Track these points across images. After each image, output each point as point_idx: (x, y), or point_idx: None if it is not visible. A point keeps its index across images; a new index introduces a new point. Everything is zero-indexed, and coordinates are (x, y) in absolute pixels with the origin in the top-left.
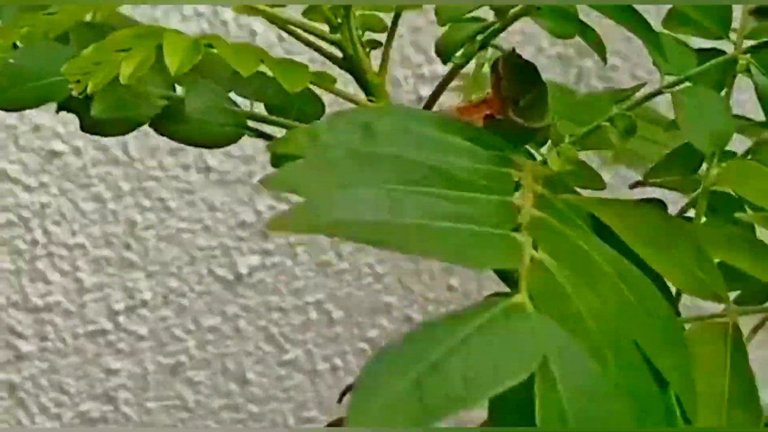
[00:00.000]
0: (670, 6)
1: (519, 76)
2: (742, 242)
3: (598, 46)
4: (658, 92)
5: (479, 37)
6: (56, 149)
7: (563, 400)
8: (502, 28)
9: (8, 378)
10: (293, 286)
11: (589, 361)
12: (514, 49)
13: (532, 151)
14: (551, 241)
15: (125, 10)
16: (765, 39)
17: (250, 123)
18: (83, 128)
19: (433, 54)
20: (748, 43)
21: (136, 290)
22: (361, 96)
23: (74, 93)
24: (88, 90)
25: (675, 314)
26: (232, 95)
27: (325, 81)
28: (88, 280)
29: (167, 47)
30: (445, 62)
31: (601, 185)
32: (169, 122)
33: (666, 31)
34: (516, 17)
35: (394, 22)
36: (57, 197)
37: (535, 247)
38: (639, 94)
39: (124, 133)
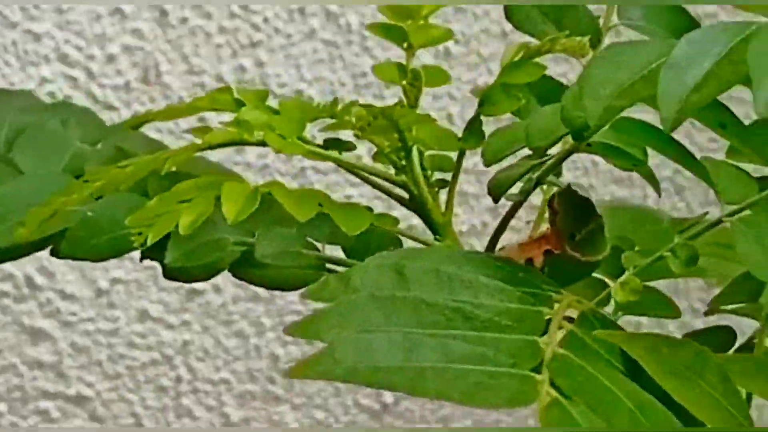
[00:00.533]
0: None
1: (575, 211)
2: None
3: (651, 180)
4: (719, 221)
5: (533, 175)
6: (197, 288)
7: None
8: (558, 164)
9: None
10: (440, 413)
11: None
12: (569, 185)
13: (608, 281)
14: (570, 377)
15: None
16: None
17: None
18: (165, 275)
19: None
20: None
21: (282, 423)
22: (429, 236)
23: (135, 244)
24: (148, 241)
25: None
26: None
27: (387, 222)
28: (235, 414)
29: (225, 197)
30: (495, 201)
31: (674, 313)
32: (245, 268)
33: (729, 161)
34: (569, 153)
35: (459, 161)
36: (200, 334)
37: (555, 385)
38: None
39: (204, 279)
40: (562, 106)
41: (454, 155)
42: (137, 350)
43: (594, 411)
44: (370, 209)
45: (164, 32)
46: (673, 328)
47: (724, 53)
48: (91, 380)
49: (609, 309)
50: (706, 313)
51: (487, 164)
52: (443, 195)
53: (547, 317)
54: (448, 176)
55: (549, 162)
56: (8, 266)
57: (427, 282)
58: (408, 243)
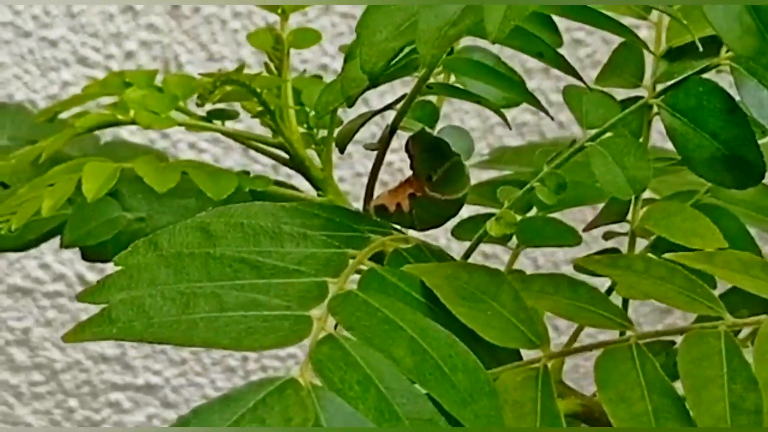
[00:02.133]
0: None
1: (429, 153)
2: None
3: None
4: (581, 147)
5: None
6: None
7: None
8: (405, 109)
9: None
10: None
11: (368, 423)
12: (423, 128)
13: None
14: (349, 313)
15: None
16: (672, 81)
17: None
18: (83, 258)
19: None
20: (661, 87)
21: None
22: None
23: (2, 231)
24: (12, 227)
25: (481, 366)
26: None
27: (259, 184)
28: None
29: (85, 177)
30: (341, 151)
31: (575, 240)
32: None
33: (593, 86)
34: (413, 97)
35: (332, 119)
36: None
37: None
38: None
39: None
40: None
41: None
42: None
43: (370, 343)
44: (245, 173)
45: (179, 24)
46: None
47: None
48: (158, 368)
49: (513, 243)
50: (584, 230)
51: (319, 116)
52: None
53: (352, 257)
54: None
55: (398, 108)
56: (59, 267)
57: (232, 237)
58: None
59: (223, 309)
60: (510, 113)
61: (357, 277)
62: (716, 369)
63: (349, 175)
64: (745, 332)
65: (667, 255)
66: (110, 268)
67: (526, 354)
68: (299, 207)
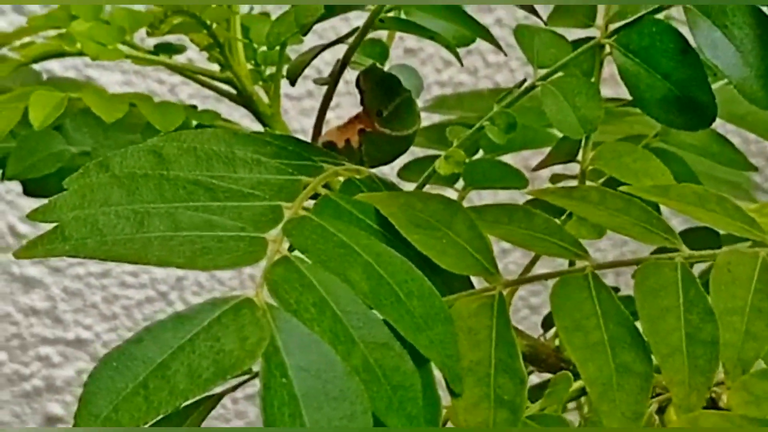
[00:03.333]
0: None
1: (380, 89)
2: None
3: (451, 51)
4: (533, 86)
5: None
6: None
7: (294, 383)
8: (356, 43)
9: None
10: None
11: (324, 344)
12: (374, 64)
13: None
14: (304, 236)
15: None
16: (625, 21)
17: None
18: (25, 192)
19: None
20: (613, 27)
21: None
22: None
23: None
24: None
25: (436, 293)
26: None
27: (206, 118)
28: None
29: (32, 105)
30: (292, 84)
31: (522, 183)
32: None
33: (545, 27)
34: (365, 32)
35: (280, 55)
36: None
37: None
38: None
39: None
40: None
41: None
42: (131, 289)
43: (325, 266)
44: (193, 107)
45: None
46: None
47: None
48: (89, 323)
49: (459, 185)
50: (533, 170)
51: (270, 47)
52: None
53: (306, 185)
54: None
55: (350, 42)
56: None
57: (185, 161)
58: None
59: (178, 228)
60: (447, 73)
61: (311, 204)
62: (672, 299)
63: (295, 112)
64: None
65: (622, 188)
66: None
67: (478, 283)
68: (252, 134)
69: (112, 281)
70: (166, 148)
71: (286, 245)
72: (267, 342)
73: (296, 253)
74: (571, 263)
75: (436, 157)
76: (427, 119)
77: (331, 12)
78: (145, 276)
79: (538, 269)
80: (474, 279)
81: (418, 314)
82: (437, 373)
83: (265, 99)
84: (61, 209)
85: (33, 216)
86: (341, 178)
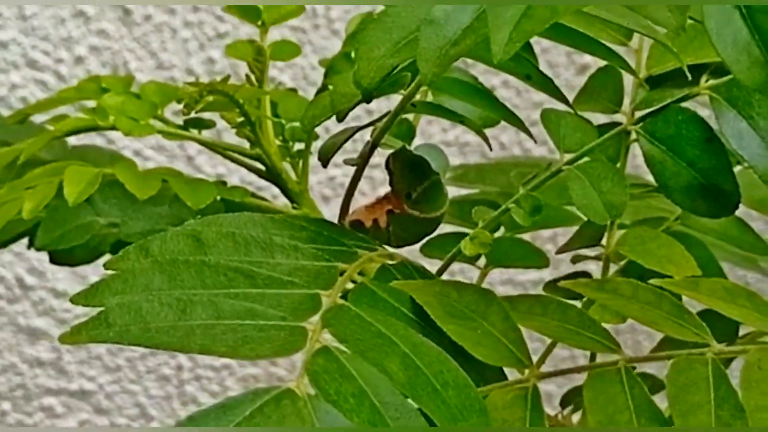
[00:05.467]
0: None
1: (409, 171)
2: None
3: (480, 135)
4: (559, 170)
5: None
6: None
7: None
8: (388, 125)
9: None
10: None
11: None
12: (404, 146)
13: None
14: (343, 326)
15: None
16: (651, 109)
17: None
18: (51, 261)
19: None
20: (640, 114)
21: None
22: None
23: None
24: None
25: (471, 384)
26: None
27: (236, 195)
28: None
29: (67, 180)
30: (324, 165)
31: (543, 263)
32: (117, 249)
33: (570, 111)
34: (396, 114)
35: (309, 133)
36: None
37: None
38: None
39: (89, 261)
40: (353, 71)
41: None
42: None
43: (364, 356)
44: (222, 183)
45: (130, 31)
46: None
47: (481, 9)
48: (93, 374)
49: (481, 263)
50: (557, 252)
51: (305, 129)
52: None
53: (342, 272)
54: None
55: (379, 125)
56: None
57: (223, 246)
58: None
59: (220, 317)
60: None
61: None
62: (704, 395)
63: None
64: None
65: (653, 280)
66: (50, 271)
67: (511, 374)
68: (287, 219)
69: None
70: (205, 233)
71: (325, 335)
72: None
73: (335, 343)
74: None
75: (458, 233)
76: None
77: (368, 97)
78: None
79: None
80: (507, 369)
81: (454, 405)
82: None
83: (293, 176)
84: (104, 294)
85: (76, 300)
86: (374, 263)
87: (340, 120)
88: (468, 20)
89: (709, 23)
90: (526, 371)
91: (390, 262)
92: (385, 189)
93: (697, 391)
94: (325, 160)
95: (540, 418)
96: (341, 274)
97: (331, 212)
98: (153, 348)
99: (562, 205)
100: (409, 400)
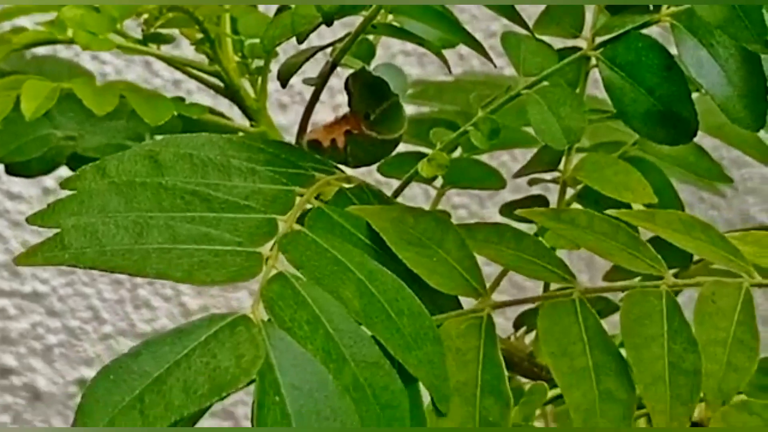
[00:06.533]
0: None
1: (369, 92)
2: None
3: (439, 56)
4: (518, 94)
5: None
6: None
7: (287, 401)
8: (348, 46)
9: None
10: None
11: (316, 363)
12: (364, 67)
13: None
14: (299, 252)
15: None
16: (612, 35)
17: None
18: (7, 171)
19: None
20: (600, 40)
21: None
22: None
23: None
24: None
25: (426, 312)
26: None
27: (194, 111)
28: (192, 303)
29: (24, 94)
30: (283, 86)
31: (500, 184)
32: (75, 164)
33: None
34: (357, 35)
35: (269, 51)
36: None
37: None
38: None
39: (45, 173)
40: None
41: None
42: None
43: (319, 282)
44: (180, 99)
45: None
46: None
47: None
48: (46, 276)
49: (438, 183)
50: (514, 176)
51: (266, 49)
52: None
53: (300, 195)
54: None
55: (340, 45)
56: None
57: (181, 168)
58: None
59: (176, 241)
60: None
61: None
62: (657, 328)
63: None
64: None
65: (609, 211)
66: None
67: (466, 302)
68: (245, 141)
69: None
70: (163, 154)
71: (281, 260)
72: (262, 360)
73: (291, 269)
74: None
75: (416, 153)
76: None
77: (328, 20)
78: None
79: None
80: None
81: (408, 333)
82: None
83: (252, 93)
84: (60, 214)
85: (33, 220)
86: (332, 187)
87: (300, 42)
88: None
89: None
90: (480, 300)
91: (347, 186)
92: (343, 98)
93: (651, 324)
94: (284, 81)
95: (494, 347)
96: (299, 198)
97: (287, 120)
98: (108, 271)
99: (519, 127)
100: (363, 328)
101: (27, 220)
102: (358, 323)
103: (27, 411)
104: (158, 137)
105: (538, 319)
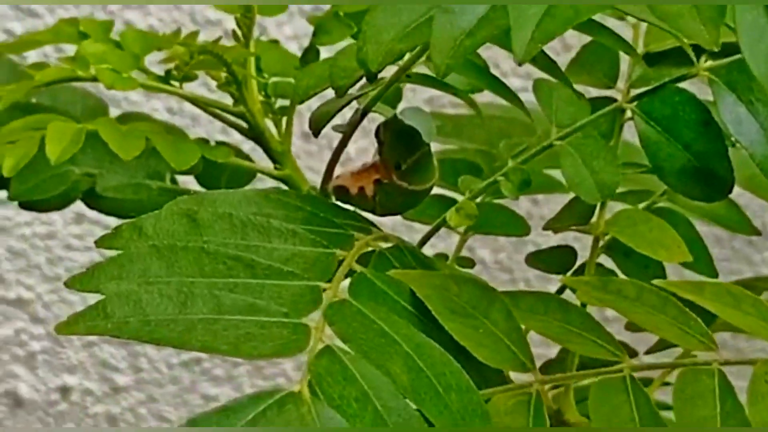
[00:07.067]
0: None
1: (400, 141)
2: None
3: (471, 105)
4: (550, 145)
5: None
6: None
7: None
8: (381, 94)
9: (107, 409)
10: None
11: None
12: (395, 115)
13: None
14: (346, 323)
15: None
16: (648, 87)
17: None
18: (20, 206)
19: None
20: (635, 91)
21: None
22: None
23: None
24: None
25: (474, 387)
26: None
27: (220, 155)
28: None
29: (49, 136)
30: (315, 135)
31: (524, 230)
32: (95, 199)
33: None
34: (390, 84)
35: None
36: None
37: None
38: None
39: (58, 209)
40: (357, 48)
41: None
42: (76, 252)
43: (367, 357)
44: (205, 141)
45: None
46: None
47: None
48: (31, 283)
49: (461, 229)
50: (544, 228)
51: (299, 100)
52: None
53: (341, 259)
54: None
55: (372, 93)
56: None
57: (220, 228)
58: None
59: (221, 311)
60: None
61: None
62: (710, 409)
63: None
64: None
65: (657, 282)
66: None
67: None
68: (282, 198)
69: (57, 243)
70: (201, 213)
71: (327, 331)
72: None
73: (337, 341)
74: None
75: (441, 198)
76: None
77: (371, 76)
78: (90, 239)
79: None
80: None
81: (456, 410)
82: None
83: (276, 134)
84: (99, 279)
85: (71, 284)
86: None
87: (339, 96)
88: (484, 10)
89: (742, 38)
90: (529, 375)
91: (385, 246)
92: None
93: (704, 405)
94: (316, 130)
95: (542, 425)
96: (339, 262)
97: (304, 164)
98: (153, 343)
99: (542, 170)
100: (410, 403)
101: (64, 284)
102: (406, 399)
103: (8, 418)
104: (179, 176)
105: (589, 397)
